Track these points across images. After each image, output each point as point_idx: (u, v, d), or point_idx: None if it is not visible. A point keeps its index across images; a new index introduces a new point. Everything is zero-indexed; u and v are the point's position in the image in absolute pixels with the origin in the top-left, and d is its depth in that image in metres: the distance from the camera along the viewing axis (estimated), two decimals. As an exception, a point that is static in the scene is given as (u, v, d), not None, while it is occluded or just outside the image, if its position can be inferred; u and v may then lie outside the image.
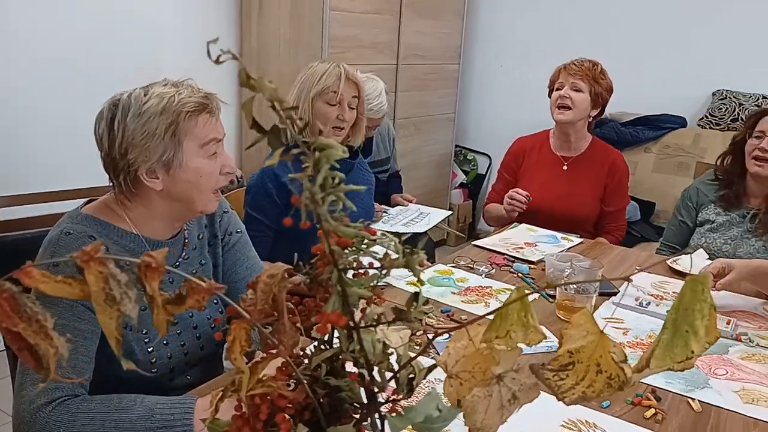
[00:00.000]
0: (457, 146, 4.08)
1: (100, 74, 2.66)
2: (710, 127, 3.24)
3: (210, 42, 0.41)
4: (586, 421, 1.11)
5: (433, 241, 2.60)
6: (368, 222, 1.92)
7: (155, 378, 1.21)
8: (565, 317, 1.52)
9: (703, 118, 3.32)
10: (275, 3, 3.04)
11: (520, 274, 1.80)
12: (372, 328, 0.58)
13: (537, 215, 2.30)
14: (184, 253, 1.28)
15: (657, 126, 3.33)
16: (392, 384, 0.59)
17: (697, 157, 3.03)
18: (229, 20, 3.18)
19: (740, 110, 3.15)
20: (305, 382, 0.58)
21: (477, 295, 1.64)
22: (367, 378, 0.53)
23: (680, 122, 3.36)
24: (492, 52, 4.01)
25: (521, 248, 2.02)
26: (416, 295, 0.52)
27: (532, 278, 1.78)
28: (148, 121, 1.10)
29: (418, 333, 1.03)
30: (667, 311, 1.72)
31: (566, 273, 1.60)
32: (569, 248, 2.05)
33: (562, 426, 1.10)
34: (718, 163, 2.11)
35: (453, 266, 1.83)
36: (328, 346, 0.59)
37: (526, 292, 0.54)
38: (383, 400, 0.57)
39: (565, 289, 1.53)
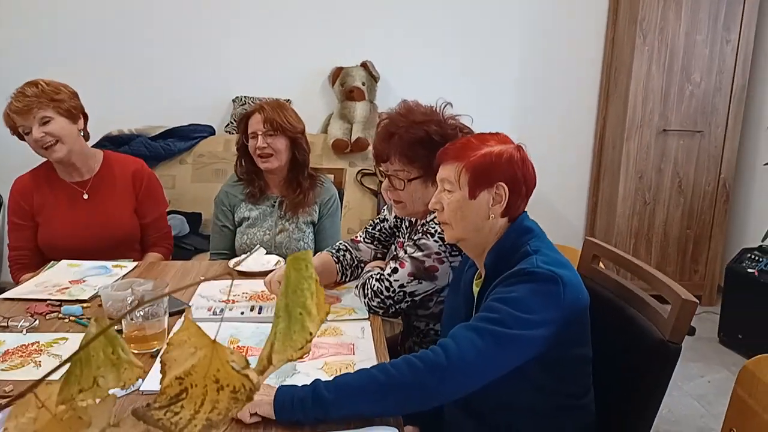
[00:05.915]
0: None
1: None
2: (236, 132, 3.44)
3: None
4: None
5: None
6: None
7: None
8: (141, 350, 1.36)
9: (228, 124, 3.52)
10: None
11: (73, 318, 1.54)
12: None
13: (79, 253, 2.02)
14: None
15: (187, 137, 3.37)
16: None
17: (231, 162, 3.18)
18: None
19: (257, 114, 3.46)
20: None
21: (21, 356, 1.33)
22: None
23: (209, 131, 3.47)
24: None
25: (66, 288, 1.74)
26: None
27: (89, 318, 1.55)
28: None
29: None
30: (241, 312, 1.71)
31: (129, 300, 1.44)
32: (124, 275, 1.87)
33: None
34: (236, 166, 2.23)
35: (-22, 331, 1.44)
36: None
37: (108, 324, 0.41)
38: None
39: (132, 319, 1.37)
